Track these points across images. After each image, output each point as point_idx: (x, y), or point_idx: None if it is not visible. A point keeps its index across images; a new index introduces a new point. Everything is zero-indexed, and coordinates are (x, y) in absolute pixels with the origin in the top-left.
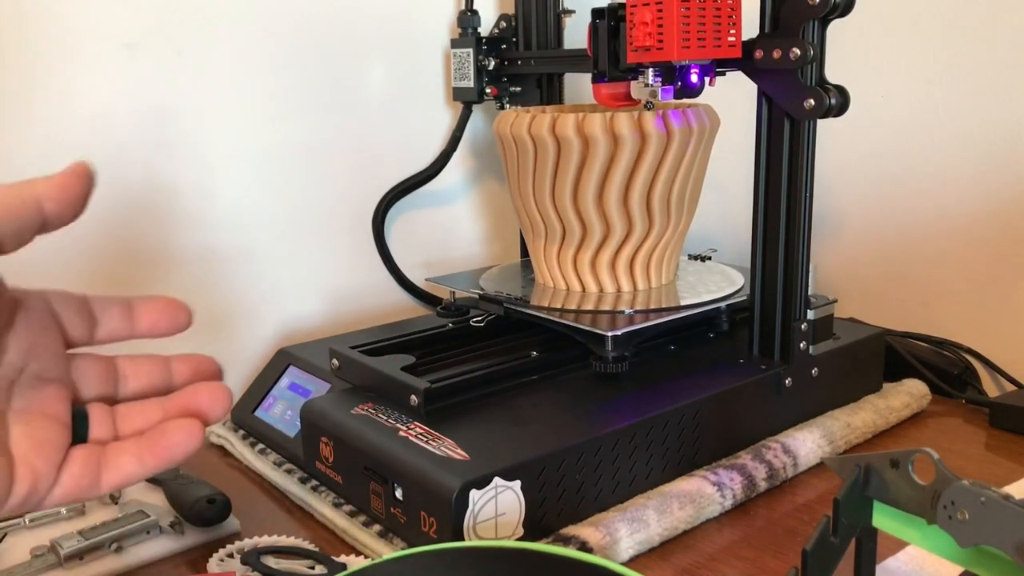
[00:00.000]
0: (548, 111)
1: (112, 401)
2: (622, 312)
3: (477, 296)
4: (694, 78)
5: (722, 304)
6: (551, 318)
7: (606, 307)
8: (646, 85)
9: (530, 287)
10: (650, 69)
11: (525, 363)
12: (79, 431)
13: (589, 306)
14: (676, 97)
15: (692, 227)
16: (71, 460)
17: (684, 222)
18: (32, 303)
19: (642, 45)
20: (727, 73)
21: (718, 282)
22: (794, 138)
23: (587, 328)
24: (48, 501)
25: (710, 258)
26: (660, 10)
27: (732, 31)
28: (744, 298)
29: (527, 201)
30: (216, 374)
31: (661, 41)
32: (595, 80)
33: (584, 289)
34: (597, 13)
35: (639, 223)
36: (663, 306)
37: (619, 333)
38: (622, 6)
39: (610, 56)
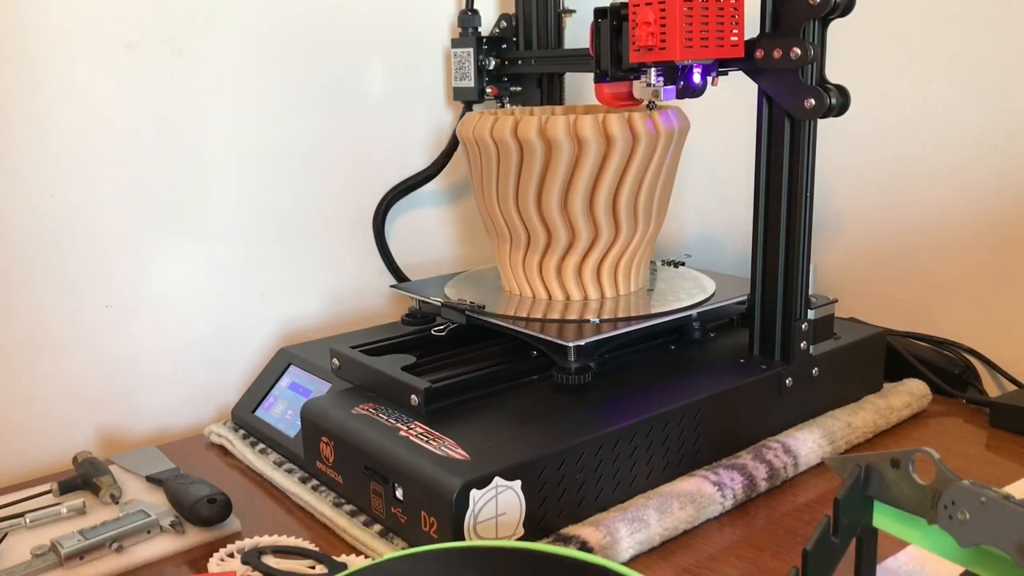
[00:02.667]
0: (515, 113)
1: None
2: (588, 321)
3: (439, 304)
4: (696, 78)
5: (692, 312)
6: (514, 327)
7: (572, 316)
8: (648, 85)
9: (498, 294)
10: (652, 69)
11: (525, 363)
12: None
13: (555, 315)
14: (679, 97)
15: (695, 228)
16: None
17: (653, 228)
18: None
19: (645, 45)
20: (728, 73)
21: (689, 289)
22: (795, 138)
23: (549, 338)
24: None
25: (683, 263)
26: (663, 10)
27: (735, 30)
28: (714, 306)
29: (491, 205)
30: None
31: (664, 41)
32: (597, 80)
33: (550, 297)
34: (599, 12)
35: (605, 229)
36: (631, 315)
37: (582, 343)
38: (624, 5)
39: (612, 56)
